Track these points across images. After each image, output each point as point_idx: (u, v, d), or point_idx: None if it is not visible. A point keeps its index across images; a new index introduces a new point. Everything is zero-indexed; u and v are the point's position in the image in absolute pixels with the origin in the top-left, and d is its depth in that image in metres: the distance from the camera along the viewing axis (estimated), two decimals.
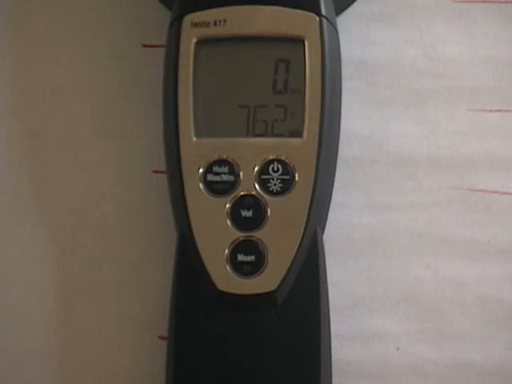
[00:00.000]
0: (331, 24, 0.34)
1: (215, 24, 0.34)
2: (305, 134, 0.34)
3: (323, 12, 0.34)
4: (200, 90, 0.34)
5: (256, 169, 0.34)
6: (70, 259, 0.38)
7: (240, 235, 0.33)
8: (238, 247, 0.33)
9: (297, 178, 0.33)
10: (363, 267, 0.37)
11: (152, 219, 0.38)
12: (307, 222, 0.33)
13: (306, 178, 0.33)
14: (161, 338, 0.36)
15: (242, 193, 0.33)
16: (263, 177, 0.34)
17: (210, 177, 0.34)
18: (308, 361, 0.33)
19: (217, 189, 0.33)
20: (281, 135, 0.34)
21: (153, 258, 0.37)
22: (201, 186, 0.34)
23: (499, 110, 0.38)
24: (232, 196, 0.33)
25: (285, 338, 0.33)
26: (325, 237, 0.34)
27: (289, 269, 0.33)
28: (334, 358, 0.34)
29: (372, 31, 0.38)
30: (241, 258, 0.33)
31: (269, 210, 0.33)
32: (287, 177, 0.33)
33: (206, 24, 0.34)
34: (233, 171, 0.34)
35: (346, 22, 0.38)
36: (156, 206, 0.37)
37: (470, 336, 0.36)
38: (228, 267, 0.33)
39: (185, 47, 0.34)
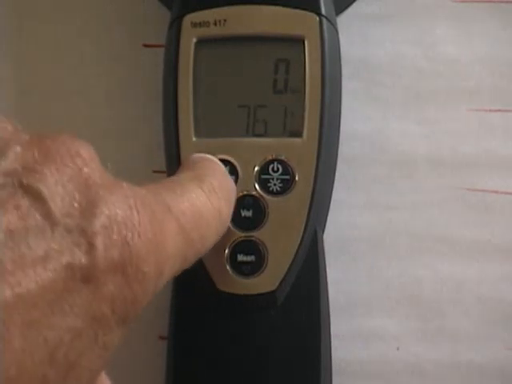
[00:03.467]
0: (331, 24, 0.34)
1: (215, 24, 0.34)
2: (305, 133, 0.33)
3: (323, 12, 0.34)
4: (200, 90, 0.34)
5: (256, 169, 0.34)
6: None
7: (240, 235, 0.33)
8: (238, 247, 0.33)
9: (297, 178, 0.33)
10: (363, 267, 0.37)
11: None
12: (307, 222, 0.33)
13: (306, 177, 0.33)
14: (161, 338, 0.36)
15: (241, 193, 0.33)
16: (263, 177, 0.33)
17: None
18: (308, 360, 0.33)
19: None
20: (281, 135, 0.34)
21: None
22: None
23: (499, 110, 0.38)
24: None
25: (285, 338, 0.33)
26: (325, 237, 0.34)
27: (289, 269, 0.33)
28: (333, 357, 0.34)
29: (372, 31, 0.38)
30: (241, 258, 0.33)
31: (269, 210, 0.33)
32: (287, 177, 0.33)
33: (205, 24, 0.34)
34: (233, 171, 0.33)
35: (346, 22, 0.38)
36: None
37: (470, 336, 0.36)
38: (228, 267, 0.33)
39: (185, 47, 0.34)
